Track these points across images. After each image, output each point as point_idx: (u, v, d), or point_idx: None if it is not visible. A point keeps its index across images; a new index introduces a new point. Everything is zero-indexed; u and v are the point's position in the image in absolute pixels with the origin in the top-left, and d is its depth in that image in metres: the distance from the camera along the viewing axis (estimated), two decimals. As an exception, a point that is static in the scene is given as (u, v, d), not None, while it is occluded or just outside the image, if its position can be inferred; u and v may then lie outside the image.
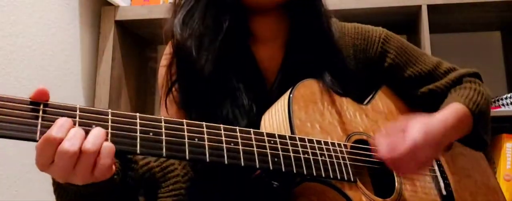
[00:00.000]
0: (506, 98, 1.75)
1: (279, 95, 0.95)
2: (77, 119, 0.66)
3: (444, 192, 1.01)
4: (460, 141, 1.05)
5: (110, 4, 1.88)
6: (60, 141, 0.62)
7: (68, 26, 1.74)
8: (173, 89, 1.00)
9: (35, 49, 1.55)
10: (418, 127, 0.88)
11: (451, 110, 0.99)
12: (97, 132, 0.65)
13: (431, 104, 1.10)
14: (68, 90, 1.74)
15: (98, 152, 0.64)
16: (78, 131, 0.64)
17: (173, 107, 1.00)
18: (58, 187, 0.72)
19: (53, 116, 0.65)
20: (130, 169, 0.76)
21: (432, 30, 1.75)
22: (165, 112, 1.00)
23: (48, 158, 0.63)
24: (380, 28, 1.12)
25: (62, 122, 0.63)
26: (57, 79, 1.67)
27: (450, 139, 0.98)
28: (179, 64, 1.00)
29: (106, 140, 0.66)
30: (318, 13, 1.03)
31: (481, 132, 1.04)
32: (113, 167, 0.69)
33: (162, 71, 1.05)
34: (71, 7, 1.76)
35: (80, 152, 0.63)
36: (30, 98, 0.65)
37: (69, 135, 0.63)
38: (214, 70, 0.95)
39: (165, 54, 1.07)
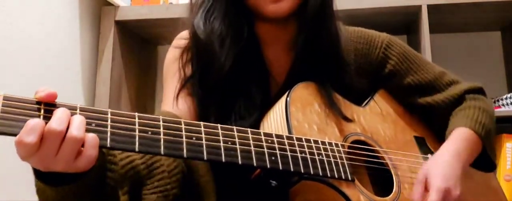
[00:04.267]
0: (506, 98, 1.75)
1: None
2: None
3: None
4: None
5: (110, 4, 1.88)
6: (44, 124, 0.63)
7: (68, 26, 1.74)
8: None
9: (35, 49, 1.56)
10: (437, 176, 0.90)
11: (460, 138, 0.99)
12: (78, 119, 0.65)
13: (429, 116, 1.10)
14: (68, 90, 1.74)
15: (83, 140, 0.64)
16: (64, 111, 0.65)
17: (187, 99, 1.01)
18: (38, 191, 0.72)
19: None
20: (110, 170, 0.75)
21: (432, 30, 1.75)
22: (176, 105, 1.00)
23: (35, 144, 0.62)
24: (384, 33, 1.12)
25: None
26: (57, 79, 1.67)
27: (466, 167, 0.98)
28: (199, 59, 1.02)
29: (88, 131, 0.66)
30: (326, 19, 1.02)
31: (490, 154, 1.03)
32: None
33: (174, 64, 1.06)
34: (71, 7, 1.76)
35: (65, 137, 0.63)
36: (36, 98, 0.66)
37: (55, 115, 0.63)
38: (231, 68, 0.97)
39: (176, 47, 1.07)
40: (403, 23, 1.94)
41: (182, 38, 1.07)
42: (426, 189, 0.90)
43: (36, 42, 1.56)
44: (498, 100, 1.77)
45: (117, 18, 1.87)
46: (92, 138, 0.65)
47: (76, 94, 1.78)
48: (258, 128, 0.94)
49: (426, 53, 1.69)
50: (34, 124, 0.62)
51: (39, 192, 0.73)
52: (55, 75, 1.66)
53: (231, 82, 0.98)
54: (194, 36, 1.02)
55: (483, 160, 1.04)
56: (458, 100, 1.08)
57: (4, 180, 1.39)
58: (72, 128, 0.64)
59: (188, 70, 1.03)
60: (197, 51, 1.02)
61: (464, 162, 0.95)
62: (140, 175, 0.80)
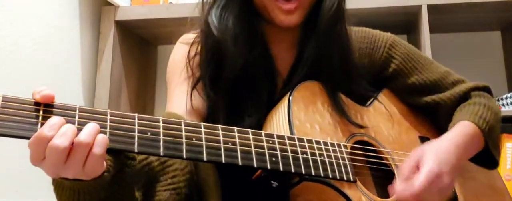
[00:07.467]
0: (506, 98, 1.75)
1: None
2: (76, 118, 0.67)
3: None
4: (470, 160, 1.02)
5: (110, 4, 1.88)
6: (50, 138, 0.63)
7: (68, 26, 1.74)
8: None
9: (35, 49, 1.55)
10: (431, 158, 0.86)
11: (460, 130, 0.97)
12: (91, 126, 0.66)
13: (434, 114, 1.09)
14: (68, 90, 1.74)
15: (91, 145, 0.65)
16: (69, 127, 0.65)
17: (196, 99, 1.01)
18: (56, 185, 0.73)
19: (53, 116, 0.66)
20: (127, 166, 0.76)
21: (432, 30, 1.74)
22: (190, 101, 1.00)
23: (39, 155, 0.64)
24: (388, 33, 1.12)
25: (54, 121, 0.64)
26: (57, 79, 1.67)
27: (463, 159, 0.95)
28: (211, 58, 1.01)
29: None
30: (337, 24, 1.02)
31: (492, 151, 1.01)
32: (104, 164, 0.69)
33: (182, 63, 1.06)
34: (71, 7, 1.76)
35: (72, 145, 0.64)
36: (34, 100, 0.66)
37: (59, 132, 0.64)
38: (243, 66, 0.97)
39: (184, 44, 1.07)
40: (403, 23, 1.94)
41: (188, 38, 1.07)
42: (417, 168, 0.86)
43: (36, 42, 1.56)
44: (498, 100, 1.78)
45: (117, 18, 1.86)
46: (101, 137, 0.66)
47: (76, 94, 1.78)
48: (262, 125, 0.94)
49: (426, 53, 1.69)
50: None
51: (56, 188, 0.73)
52: (55, 75, 1.65)
53: (241, 80, 0.98)
54: (207, 34, 1.01)
55: (486, 157, 1.03)
56: (463, 97, 1.07)
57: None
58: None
59: (196, 71, 1.03)
60: (211, 49, 1.01)
61: (462, 153, 0.92)
62: (154, 171, 0.80)
